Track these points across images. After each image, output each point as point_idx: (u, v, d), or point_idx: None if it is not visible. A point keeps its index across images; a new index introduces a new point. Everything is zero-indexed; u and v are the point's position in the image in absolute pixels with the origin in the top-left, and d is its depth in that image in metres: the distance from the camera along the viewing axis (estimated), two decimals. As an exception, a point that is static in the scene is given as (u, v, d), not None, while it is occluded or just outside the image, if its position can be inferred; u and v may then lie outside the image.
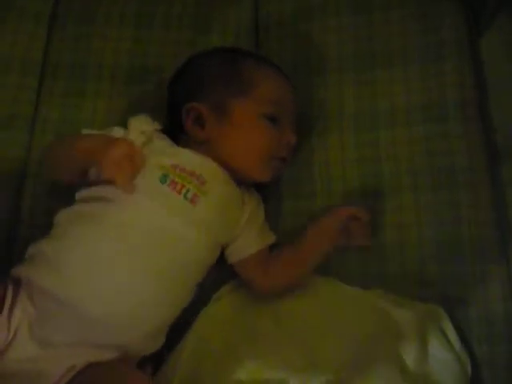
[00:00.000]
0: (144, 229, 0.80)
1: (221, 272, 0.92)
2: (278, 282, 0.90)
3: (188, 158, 0.86)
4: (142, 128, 0.88)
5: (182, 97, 0.92)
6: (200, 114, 0.89)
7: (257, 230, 0.91)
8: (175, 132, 0.92)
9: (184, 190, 0.83)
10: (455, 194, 0.92)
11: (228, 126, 0.89)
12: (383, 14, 1.05)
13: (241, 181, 0.91)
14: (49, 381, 0.74)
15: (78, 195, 0.85)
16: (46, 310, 0.76)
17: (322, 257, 0.91)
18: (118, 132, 0.87)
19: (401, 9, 1.04)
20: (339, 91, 1.02)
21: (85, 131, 0.89)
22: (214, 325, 0.87)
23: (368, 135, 0.98)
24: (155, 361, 0.83)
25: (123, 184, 0.76)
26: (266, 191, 0.97)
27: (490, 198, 0.92)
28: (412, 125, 0.97)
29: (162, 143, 0.89)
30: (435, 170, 0.94)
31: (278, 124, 0.91)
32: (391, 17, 1.04)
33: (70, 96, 1.04)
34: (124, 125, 0.89)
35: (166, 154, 0.86)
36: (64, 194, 0.92)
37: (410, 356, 0.80)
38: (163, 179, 0.83)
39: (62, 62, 1.07)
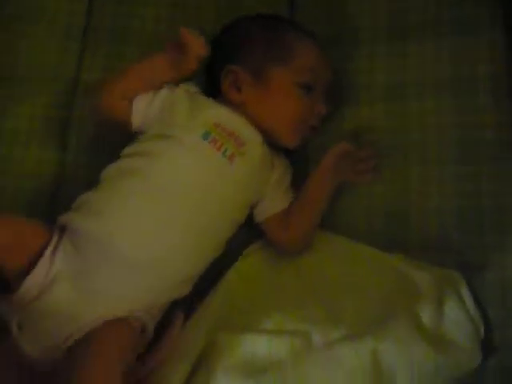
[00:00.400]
0: (183, 184, 0.84)
1: (249, 233, 0.96)
2: (297, 233, 0.93)
3: (229, 118, 0.90)
4: (185, 88, 0.93)
5: (221, 59, 0.95)
6: (237, 77, 0.93)
7: (282, 192, 0.95)
8: (213, 94, 0.95)
9: (223, 148, 0.87)
10: (478, 167, 0.93)
11: (264, 92, 0.93)
12: None
13: (271, 144, 0.95)
14: (78, 324, 0.77)
15: (124, 152, 0.90)
16: (86, 255, 0.80)
17: (327, 197, 0.94)
18: (164, 90, 0.92)
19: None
20: (371, 62, 1.03)
21: None
22: (242, 279, 0.91)
23: (397, 106, 1.00)
24: (185, 308, 0.87)
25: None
26: (293, 155, 1.00)
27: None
28: (441, 97, 0.98)
29: (206, 101, 0.93)
30: (462, 142, 0.95)
31: (311, 93, 0.94)
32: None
33: (111, 59, 1.08)
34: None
35: (209, 113, 0.90)
36: (104, 153, 0.99)
37: (426, 314, 0.82)
38: (205, 136, 0.87)
39: (104, 27, 1.10)
